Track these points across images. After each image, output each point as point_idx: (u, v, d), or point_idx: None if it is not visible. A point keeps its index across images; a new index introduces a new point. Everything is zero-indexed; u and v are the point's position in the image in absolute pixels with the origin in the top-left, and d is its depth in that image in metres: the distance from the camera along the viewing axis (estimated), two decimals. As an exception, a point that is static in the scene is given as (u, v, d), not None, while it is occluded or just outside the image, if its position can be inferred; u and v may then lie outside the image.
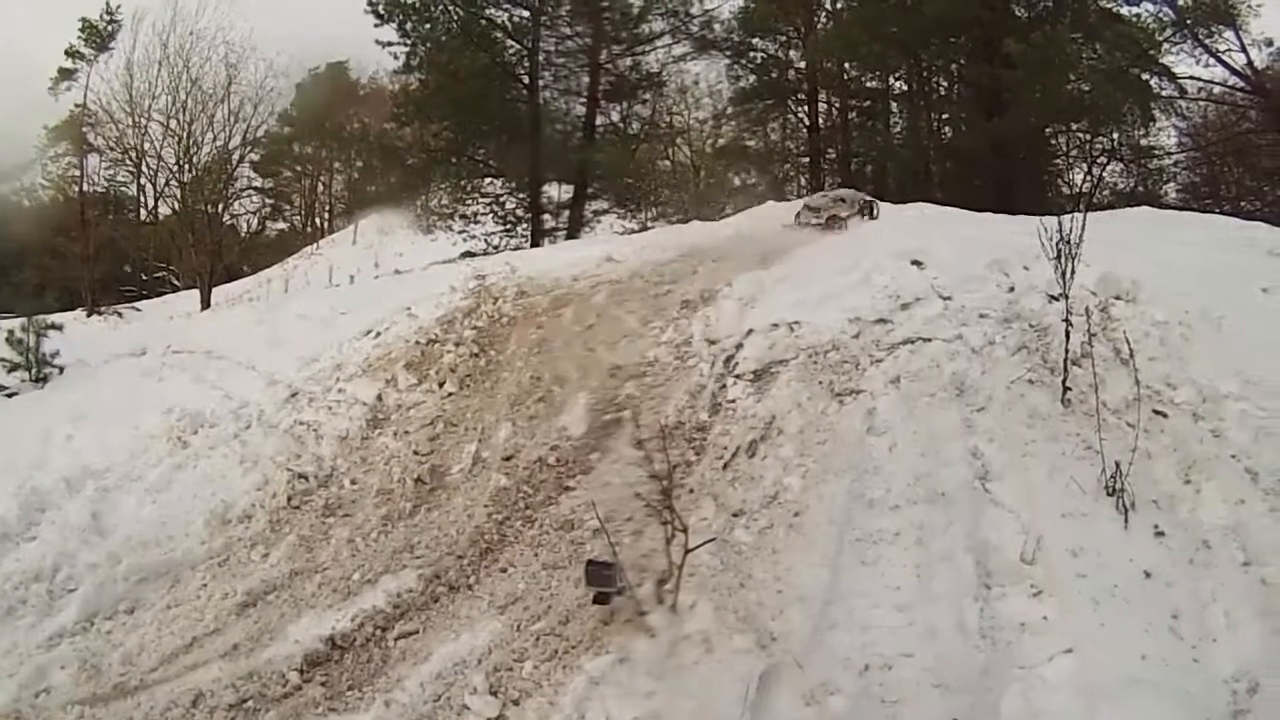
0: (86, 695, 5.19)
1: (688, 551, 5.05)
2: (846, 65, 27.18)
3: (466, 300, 10.06)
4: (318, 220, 51.87)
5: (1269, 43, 22.37)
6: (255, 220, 38.75)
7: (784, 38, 28.22)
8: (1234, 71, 22.24)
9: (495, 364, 8.76)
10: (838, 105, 28.73)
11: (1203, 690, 4.46)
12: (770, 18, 27.29)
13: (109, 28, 30.97)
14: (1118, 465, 5.59)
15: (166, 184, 29.45)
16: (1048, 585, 5.07)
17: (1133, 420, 6.13)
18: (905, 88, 28.40)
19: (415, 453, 7.47)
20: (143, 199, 33.75)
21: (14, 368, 10.16)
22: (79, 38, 31.02)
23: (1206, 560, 5.21)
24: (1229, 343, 7.07)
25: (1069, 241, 6.71)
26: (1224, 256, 8.85)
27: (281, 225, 47.96)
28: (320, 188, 52.33)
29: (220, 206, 27.19)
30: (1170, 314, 7.43)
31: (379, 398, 8.24)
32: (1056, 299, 7.32)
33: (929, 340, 7.53)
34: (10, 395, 9.91)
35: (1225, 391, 6.47)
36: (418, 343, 9.11)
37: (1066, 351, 6.72)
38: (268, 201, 44.47)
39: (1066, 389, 6.60)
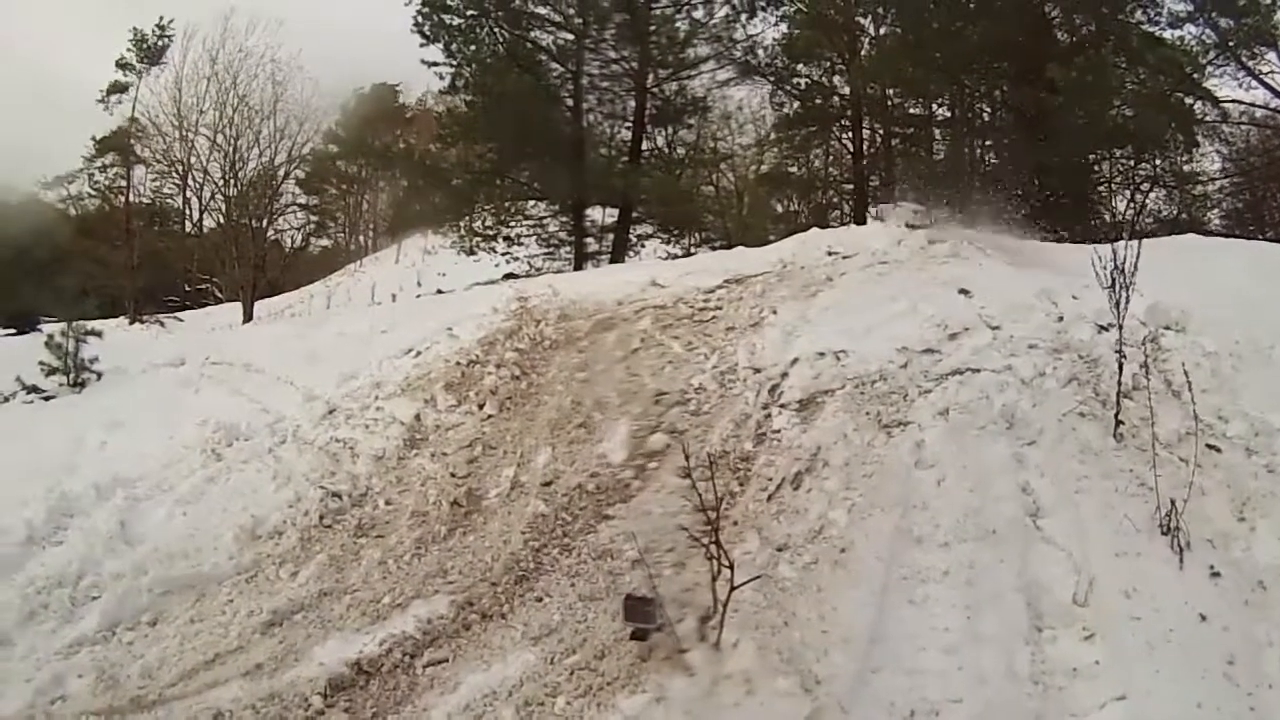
0: (103, 706, 5.11)
1: (734, 588, 4.90)
2: (890, 92, 27.02)
3: (508, 322, 9.95)
4: (361, 238, 52.53)
5: (1312, 65, 22.02)
6: (299, 236, 39.26)
7: (827, 64, 28.04)
8: (1277, 94, 21.94)
9: (536, 387, 8.63)
10: (881, 132, 28.55)
11: (1258, 740, 4.29)
12: (813, 44, 27.16)
13: (160, 42, 31.52)
14: (1172, 503, 5.45)
15: (212, 198, 30.09)
16: (1100, 628, 4.93)
17: (1185, 455, 6.00)
18: (948, 114, 28.23)
19: (452, 475, 7.34)
20: (188, 211, 34.41)
21: (52, 371, 10.29)
22: (129, 50, 31.62)
23: (1262, 601, 5.09)
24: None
25: (1123, 270, 6.57)
26: (1271, 283, 8.71)
27: (325, 242, 48.61)
28: (364, 205, 52.96)
29: (264, 221, 27.64)
30: (1220, 344, 7.32)
31: (417, 417, 8.13)
32: (1106, 329, 7.20)
33: (978, 371, 7.38)
34: (47, 399, 10.01)
35: (1278, 425, 6.36)
36: (458, 363, 9.00)
37: (1119, 384, 6.57)
38: (312, 218, 44.96)
39: (1119, 423, 6.44)
